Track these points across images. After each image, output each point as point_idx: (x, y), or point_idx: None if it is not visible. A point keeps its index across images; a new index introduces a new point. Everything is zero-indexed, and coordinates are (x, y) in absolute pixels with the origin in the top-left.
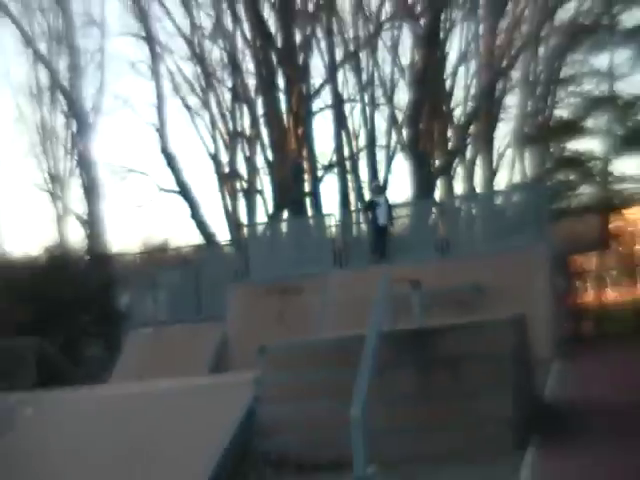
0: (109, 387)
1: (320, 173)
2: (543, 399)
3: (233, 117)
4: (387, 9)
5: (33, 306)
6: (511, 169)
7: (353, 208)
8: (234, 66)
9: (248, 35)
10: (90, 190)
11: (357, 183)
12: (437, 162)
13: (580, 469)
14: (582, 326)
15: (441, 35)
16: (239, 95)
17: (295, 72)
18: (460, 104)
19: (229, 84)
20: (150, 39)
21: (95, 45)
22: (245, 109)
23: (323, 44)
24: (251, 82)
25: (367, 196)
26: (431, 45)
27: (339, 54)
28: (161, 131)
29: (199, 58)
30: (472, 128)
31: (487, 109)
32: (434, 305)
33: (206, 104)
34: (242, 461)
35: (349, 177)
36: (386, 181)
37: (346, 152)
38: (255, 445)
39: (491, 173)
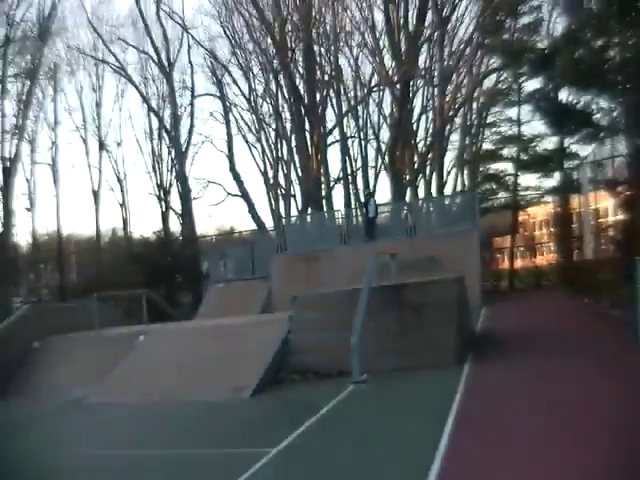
0: (195, 322)
1: (332, 184)
2: (475, 331)
3: (276, 148)
4: (375, 79)
5: (147, 270)
6: (455, 181)
7: (352, 206)
8: (277, 115)
9: (286, 95)
10: (183, 195)
11: (355, 191)
12: (407, 177)
13: (493, 369)
14: (500, 284)
15: (410, 95)
16: (280, 134)
17: (316, 119)
18: (422, 139)
19: (273, 126)
20: (223, 97)
21: (187, 101)
22: (284, 142)
23: (334, 101)
24: (288, 125)
25: (362, 199)
26: (403, 102)
27: (344, 107)
28: (229, 157)
29: (254, 110)
30: (430, 155)
31: (439, 143)
32: (405, 269)
33: (259, 139)
34: (279, 370)
35: (350, 187)
36: (374, 189)
37: (348, 170)
38: (288, 360)
39: (441, 184)
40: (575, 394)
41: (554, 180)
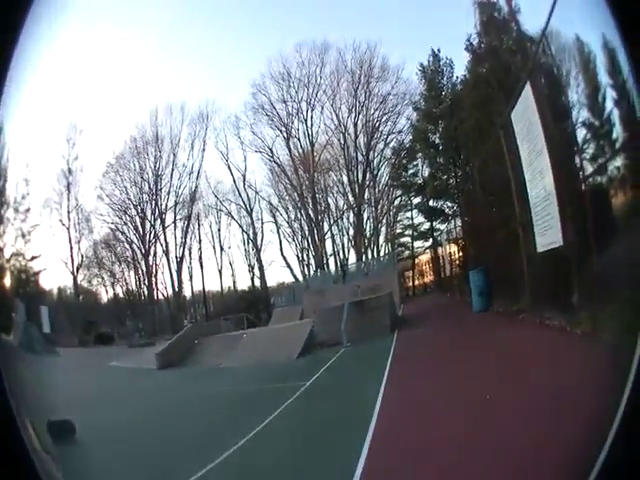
0: (268, 327)
1: (328, 257)
2: (398, 316)
3: (301, 242)
4: (344, 207)
5: (245, 303)
6: (385, 247)
7: (338, 267)
8: (302, 232)
9: (305, 223)
10: (260, 268)
11: (339, 260)
12: (362, 250)
13: (410, 334)
14: (408, 293)
15: (363, 216)
16: (305, 237)
17: (320, 232)
18: (370, 231)
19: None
20: (276, 223)
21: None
22: (304, 241)
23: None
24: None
25: (340, 266)
26: (359, 222)
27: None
28: (280, 248)
29: (293, 230)
30: (372, 239)
31: (377, 235)
32: (364, 292)
33: (294, 240)
34: (309, 345)
35: (336, 258)
36: (347, 259)
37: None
38: (312, 340)
39: (378, 250)
40: (442, 328)
41: (429, 242)
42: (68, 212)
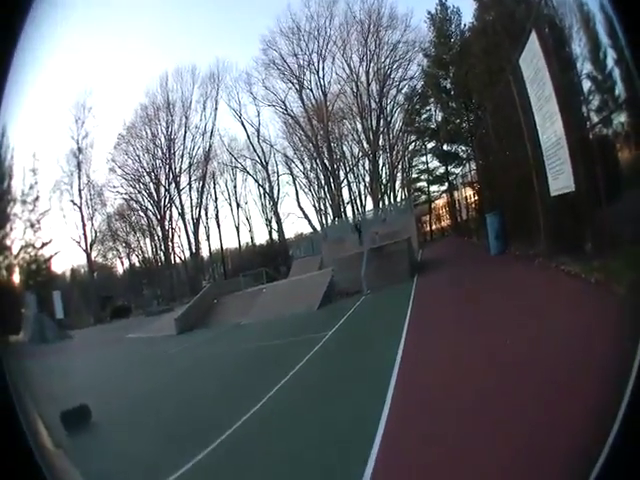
0: (288, 279)
1: (345, 206)
2: (417, 261)
3: (318, 193)
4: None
5: (264, 258)
6: (402, 193)
7: (355, 216)
8: (318, 182)
9: (322, 173)
10: (278, 221)
11: (357, 209)
12: (379, 196)
13: (430, 279)
14: (426, 237)
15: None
16: (322, 187)
17: (335, 180)
18: (387, 176)
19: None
20: (292, 174)
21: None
22: (321, 191)
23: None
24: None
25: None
26: (375, 169)
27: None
28: (297, 199)
29: (308, 180)
30: (389, 184)
31: (394, 180)
32: (382, 238)
33: (310, 190)
34: (329, 294)
35: (354, 206)
36: (364, 207)
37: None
38: (332, 289)
39: (395, 196)
40: (462, 272)
41: (445, 185)
42: (79, 190)
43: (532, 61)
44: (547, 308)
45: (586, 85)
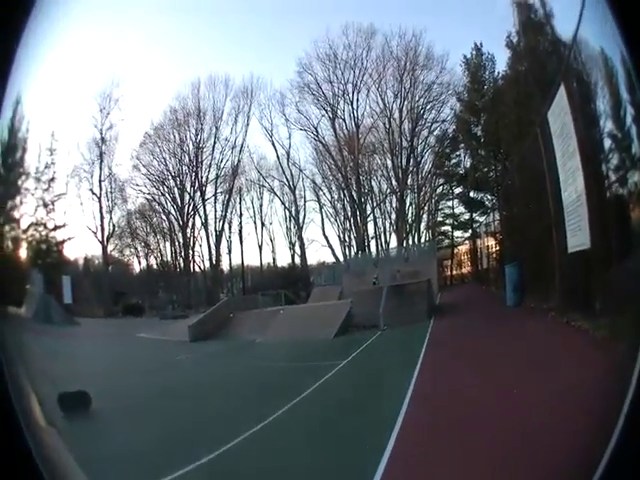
0: (306, 305)
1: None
2: (436, 304)
3: (344, 224)
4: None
5: (284, 280)
6: (426, 235)
7: (378, 251)
8: (345, 213)
9: (349, 206)
10: (301, 247)
11: (380, 244)
12: (404, 235)
13: (447, 323)
14: (446, 281)
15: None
16: (347, 219)
17: (362, 213)
18: (411, 217)
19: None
20: (319, 204)
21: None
22: (347, 223)
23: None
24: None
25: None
26: (402, 207)
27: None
28: (322, 228)
29: (336, 211)
30: (414, 225)
31: (419, 222)
32: (403, 277)
33: (336, 220)
34: (346, 325)
35: (378, 242)
36: (388, 244)
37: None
38: (349, 321)
39: (419, 237)
40: (478, 320)
41: (469, 233)
42: (100, 181)
43: (560, 115)
44: (547, 360)
45: (607, 142)
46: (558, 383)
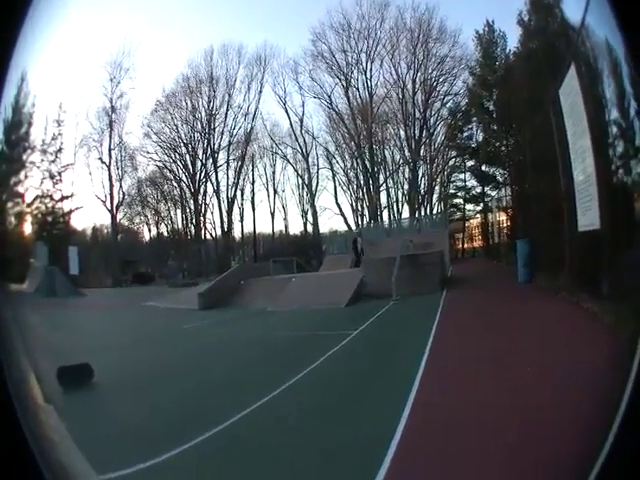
0: (318, 273)
1: (382, 209)
2: (447, 275)
3: (356, 192)
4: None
5: (296, 248)
6: (438, 206)
7: (391, 220)
8: (357, 182)
9: (361, 175)
10: (314, 215)
11: (392, 214)
12: (416, 206)
13: (457, 295)
14: (457, 254)
15: (417, 173)
16: (360, 187)
17: (375, 182)
18: (424, 188)
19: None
20: (332, 170)
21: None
22: (360, 191)
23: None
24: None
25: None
26: (414, 178)
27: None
28: (335, 196)
29: (349, 180)
30: (426, 197)
31: (431, 193)
32: (417, 247)
33: (349, 188)
34: (358, 294)
35: (390, 211)
36: (400, 213)
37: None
38: (362, 289)
39: (431, 208)
40: (490, 295)
41: (480, 206)
42: (110, 150)
43: (570, 94)
44: (553, 342)
45: (616, 126)
46: (558, 370)
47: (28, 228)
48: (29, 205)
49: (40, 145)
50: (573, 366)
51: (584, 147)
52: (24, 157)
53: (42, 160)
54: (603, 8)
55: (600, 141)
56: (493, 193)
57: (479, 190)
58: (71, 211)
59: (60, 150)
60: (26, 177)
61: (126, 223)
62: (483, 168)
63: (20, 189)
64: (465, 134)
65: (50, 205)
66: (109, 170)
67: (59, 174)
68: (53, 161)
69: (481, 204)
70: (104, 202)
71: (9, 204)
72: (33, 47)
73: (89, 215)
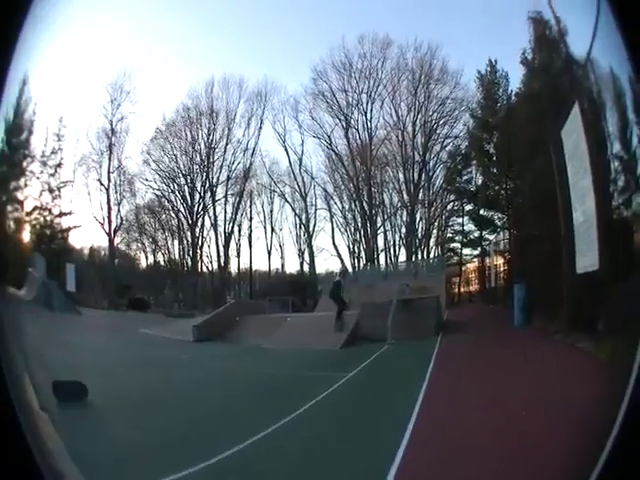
0: (313, 313)
1: (379, 252)
2: (443, 320)
3: (354, 235)
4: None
5: (292, 287)
6: (435, 251)
7: (387, 263)
8: (355, 225)
9: (359, 218)
10: (310, 255)
11: (390, 257)
12: (412, 251)
13: (453, 341)
14: (453, 299)
15: (415, 218)
16: (358, 230)
17: (372, 225)
18: (421, 232)
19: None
20: (331, 213)
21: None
22: (357, 234)
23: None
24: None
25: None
26: (412, 223)
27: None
28: (333, 238)
29: (347, 222)
30: (423, 241)
31: (428, 237)
32: (413, 292)
33: (346, 230)
34: (353, 337)
35: (387, 254)
36: (397, 257)
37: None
38: (357, 332)
39: (428, 252)
40: (485, 339)
41: (478, 250)
42: (109, 172)
43: (573, 135)
44: (549, 380)
45: (617, 163)
46: (554, 398)
47: (26, 236)
48: (28, 214)
49: (40, 156)
50: (566, 400)
51: (585, 188)
52: (24, 164)
53: (42, 172)
54: (611, 35)
55: (603, 179)
56: (491, 237)
57: (477, 234)
58: (69, 228)
59: (60, 165)
60: (26, 185)
61: (123, 248)
62: (481, 212)
63: (19, 195)
64: (464, 178)
65: (49, 219)
66: (107, 193)
67: (58, 189)
68: (52, 175)
69: (478, 248)
70: (102, 224)
71: (8, 207)
72: (35, 51)
73: (87, 235)
